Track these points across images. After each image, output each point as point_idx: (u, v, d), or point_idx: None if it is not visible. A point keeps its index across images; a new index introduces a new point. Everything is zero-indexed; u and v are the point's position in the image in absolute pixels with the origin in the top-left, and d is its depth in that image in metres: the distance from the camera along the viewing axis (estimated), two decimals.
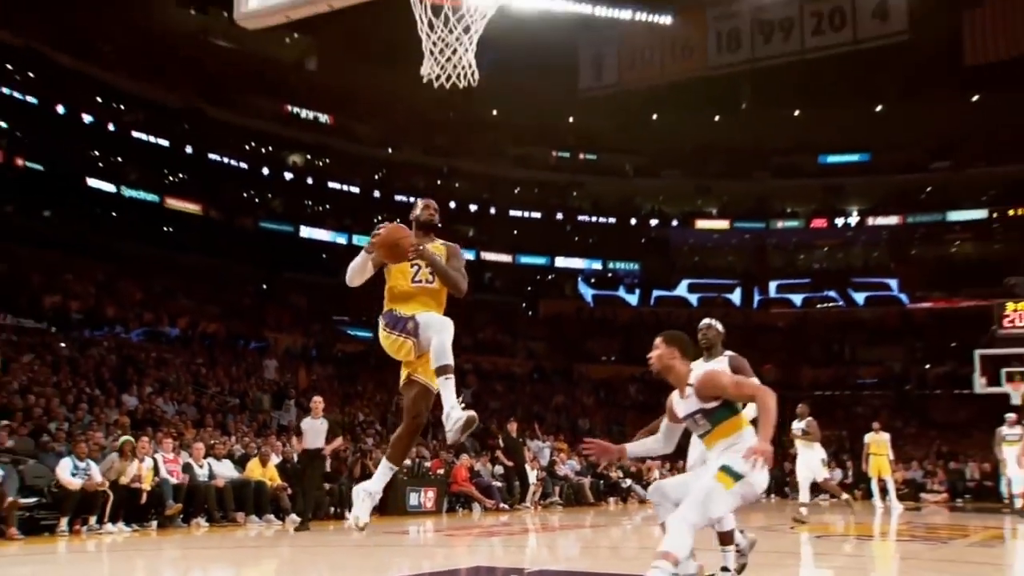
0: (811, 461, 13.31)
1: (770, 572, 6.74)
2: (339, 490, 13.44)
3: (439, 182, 36.38)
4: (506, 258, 36.55)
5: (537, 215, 37.82)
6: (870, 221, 37.63)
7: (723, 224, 38.97)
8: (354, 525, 4.76)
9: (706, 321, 6.17)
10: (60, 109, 26.75)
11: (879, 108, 36.30)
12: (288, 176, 34.06)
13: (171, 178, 31.26)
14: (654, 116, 37.57)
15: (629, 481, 19.52)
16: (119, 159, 29.34)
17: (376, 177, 35.91)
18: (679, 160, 38.74)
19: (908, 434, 26.45)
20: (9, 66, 25.86)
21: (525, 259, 37.37)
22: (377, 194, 35.01)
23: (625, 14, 30.21)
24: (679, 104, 34.60)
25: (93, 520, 10.22)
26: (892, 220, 37.36)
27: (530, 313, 37.04)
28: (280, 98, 34.32)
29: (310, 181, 34.39)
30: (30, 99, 26.01)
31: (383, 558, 8.53)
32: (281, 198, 34.15)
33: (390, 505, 14.09)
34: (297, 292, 30.72)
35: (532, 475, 17.11)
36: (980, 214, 36.06)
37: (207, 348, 21.53)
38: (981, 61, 27.21)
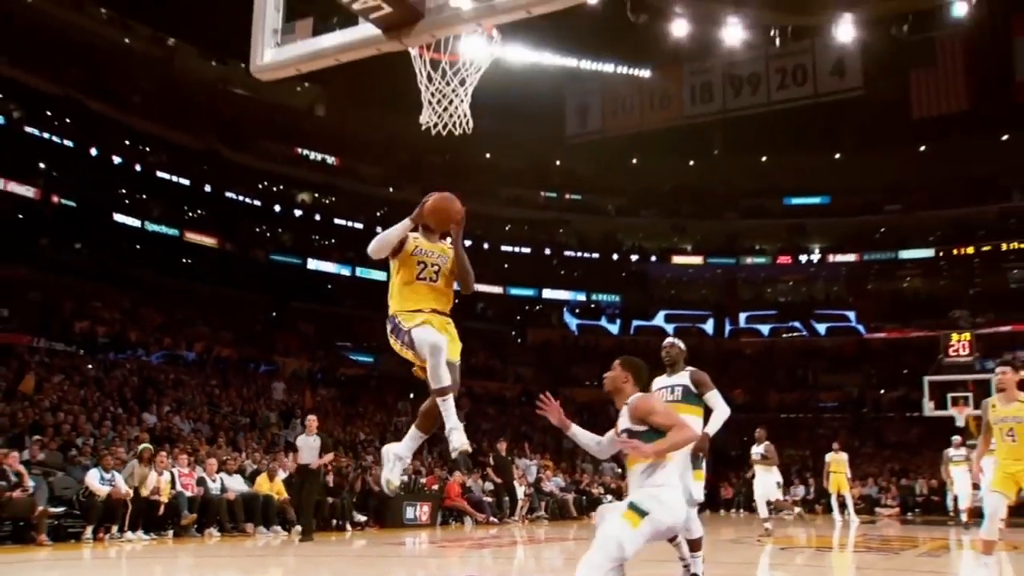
0: (768, 483, 13.43)
1: None
2: (341, 504, 13.43)
3: None
4: (497, 290, 36.52)
5: (526, 250, 37.82)
6: (830, 258, 37.76)
7: (697, 260, 39.05)
8: (385, 488, 4.61)
9: (669, 340, 6.12)
10: (93, 151, 26.86)
11: (838, 156, 36.80)
12: (297, 213, 34.10)
13: (190, 214, 31.29)
14: (634, 160, 38.00)
15: (610, 497, 19.45)
16: (144, 196, 29.34)
17: (379, 214, 35.90)
18: (657, 201, 39.06)
19: (864, 453, 26.43)
20: (48, 112, 26.06)
21: (515, 291, 37.31)
22: (379, 230, 34.94)
23: (608, 67, 30.68)
24: (657, 149, 34.91)
25: (115, 529, 10.26)
26: (850, 257, 37.52)
27: (519, 341, 36.97)
28: (291, 141, 34.46)
29: (318, 217, 34.41)
30: (67, 142, 26.12)
31: (381, 568, 8.57)
32: (291, 233, 34.16)
33: (387, 518, 14.11)
34: (304, 320, 30.73)
35: (520, 491, 17.10)
36: (928, 253, 36.22)
37: (221, 371, 21.51)
38: (927, 115, 27.76)
